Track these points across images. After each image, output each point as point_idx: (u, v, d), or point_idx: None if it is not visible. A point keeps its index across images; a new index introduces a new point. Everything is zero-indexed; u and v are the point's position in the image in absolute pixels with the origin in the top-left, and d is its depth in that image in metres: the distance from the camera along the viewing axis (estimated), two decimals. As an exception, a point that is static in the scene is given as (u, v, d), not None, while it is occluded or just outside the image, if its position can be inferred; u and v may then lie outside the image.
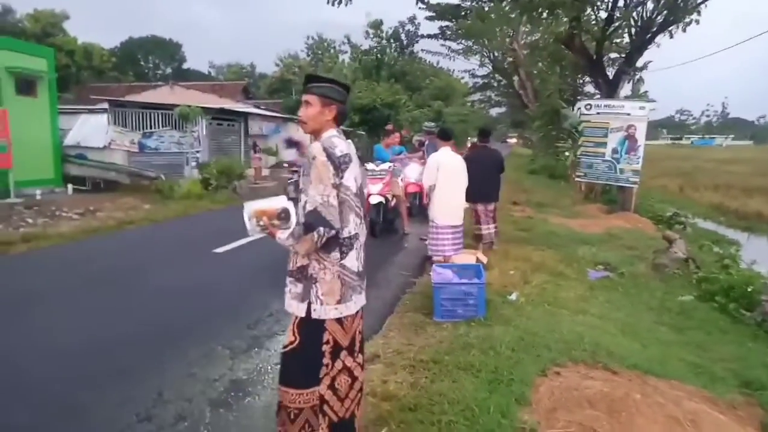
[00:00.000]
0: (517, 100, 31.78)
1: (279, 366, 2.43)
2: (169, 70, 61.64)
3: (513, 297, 5.04)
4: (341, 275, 2.32)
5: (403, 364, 3.65)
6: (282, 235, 2.28)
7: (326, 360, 2.39)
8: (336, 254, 2.31)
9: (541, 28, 17.30)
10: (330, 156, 2.25)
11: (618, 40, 17.26)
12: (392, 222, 9.03)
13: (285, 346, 2.40)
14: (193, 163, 15.51)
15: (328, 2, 10.74)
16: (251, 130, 19.84)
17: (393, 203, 8.82)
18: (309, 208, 2.21)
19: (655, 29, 12.68)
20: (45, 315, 4.84)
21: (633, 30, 13.44)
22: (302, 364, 2.37)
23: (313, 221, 2.20)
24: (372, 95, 30.74)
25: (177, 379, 3.56)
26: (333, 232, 2.23)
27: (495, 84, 37.50)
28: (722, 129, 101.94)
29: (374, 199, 8.19)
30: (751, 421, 3.43)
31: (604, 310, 5.29)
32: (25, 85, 13.78)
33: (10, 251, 7.17)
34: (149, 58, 63.78)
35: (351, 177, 2.31)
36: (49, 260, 6.88)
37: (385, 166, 8.78)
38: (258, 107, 24.50)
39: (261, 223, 2.27)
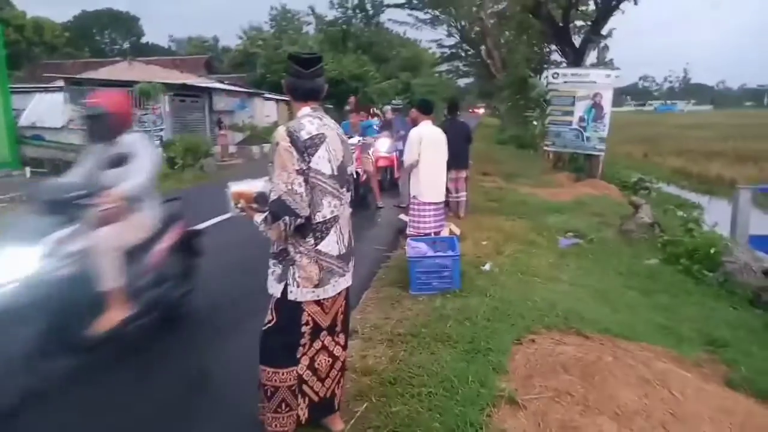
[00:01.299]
0: (484, 70, 31.78)
1: (260, 344, 2.41)
2: (126, 45, 59.40)
3: (487, 267, 5.10)
4: (318, 260, 2.29)
5: (381, 339, 3.67)
6: (257, 219, 2.25)
7: (304, 340, 2.39)
8: (310, 239, 2.27)
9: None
10: (294, 141, 2.19)
11: (583, 8, 17.37)
12: (364, 197, 8.95)
13: (264, 325, 2.39)
14: (157, 142, 15.07)
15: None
16: (216, 106, 19.32)
17: (363, 178, 8.76)
18: (273, 196, 2.17)
19: (620, -4, 12.79)
20: None
21: (598, -3, 13.53)
22: (279, 343, 2.37)
23: (277, 210, 2.15)
24: (338, 67, 30.30)
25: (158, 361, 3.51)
26: (300, 220, 2.19)
27: (463, 54, 37.44)
28: (684, 94, 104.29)
29: None
30: (715, 378, 3.59)
31: (575, 277, 5.41)
32: (-29, 62, 13.08)
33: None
34: (105, 32, 61.26)
35: (323, 159, 2.25)
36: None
37: (354, 140, 8.47)
38: (222, 82, 23.83)
39: (239, 205, 2.23)
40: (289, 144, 2.18)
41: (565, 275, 5.39)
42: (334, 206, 2.32)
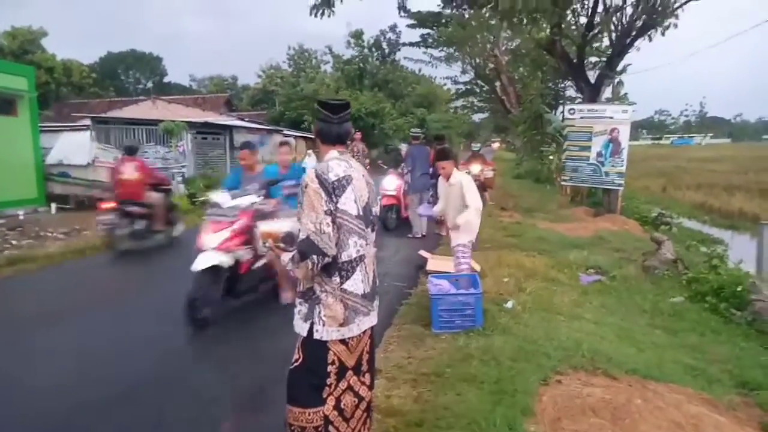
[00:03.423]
0: (499, 105, 32.05)
1: (287, 383, 2.41)
2: (150, 84, 61.31)
3: (509, 305, 5.06)
4: (343, 299, 2.32)
5: (405, 378, 3.65)
6: (284, 258, 2.29)
7: (330, 380, 2.38)
8: (336, 278, 2.31)
9: (522, 34, 17.54)
10: (322, 182, 2.26)
11: (597, 44, 17.58)
12: (240, 293, 5.29)
13: (291, 364, 2.40)
14: (179, 179, 15.37)
15: (310, 14, 10.80)
16: (236, 143, 19.75)
17: (247, 266, 5.19)
18: (302, 236, 2.23)
19: (634, 33, 12.91)
20: (46, 338, 4.74)
21: (613, 35, 13.68)
22: (306, 382, 2.37)
23: (305, 249, 2.20)
24: (356, 104, 30.82)
25: (177, 398, 3.51)
26: (327, 259, 2.23)
27: (477, 90, 37.84)
28: (701, 128, 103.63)
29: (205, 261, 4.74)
30: (750, 422, 3.48)
31: (598, 315, 5.33)
32: (6, 104, 13.59)
33: (-6, 276, 7.03)
34: (129, 72, 63.37)
35: (350, 200, 2.31)
36: (39, 283, 6.76)
37: (240, 202, 5.12)
38: (242, 119, 24.39)
39: (267, 244, 2.28)
40: (318, 186, 2.24)
41: (589, 313, 5.32)
42: (360, 246, 2.36)
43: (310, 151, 19.74)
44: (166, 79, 64.83)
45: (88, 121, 16.77)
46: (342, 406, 2.43)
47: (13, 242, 9.49)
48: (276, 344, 4.08)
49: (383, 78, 38.97)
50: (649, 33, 12.77)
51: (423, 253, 7.37)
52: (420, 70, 40.92)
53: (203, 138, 17.99)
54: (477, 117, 52.48)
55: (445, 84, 42.88)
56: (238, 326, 4.97)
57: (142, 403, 3.48)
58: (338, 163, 2.36)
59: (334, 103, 2.45)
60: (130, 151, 9.30)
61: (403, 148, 11.34)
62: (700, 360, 4.52)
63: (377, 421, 3.00)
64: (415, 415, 3.11)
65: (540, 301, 5.38)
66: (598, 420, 3.00)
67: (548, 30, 14.67)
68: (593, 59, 19.02)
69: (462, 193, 5.08)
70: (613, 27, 13.54)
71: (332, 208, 2.25)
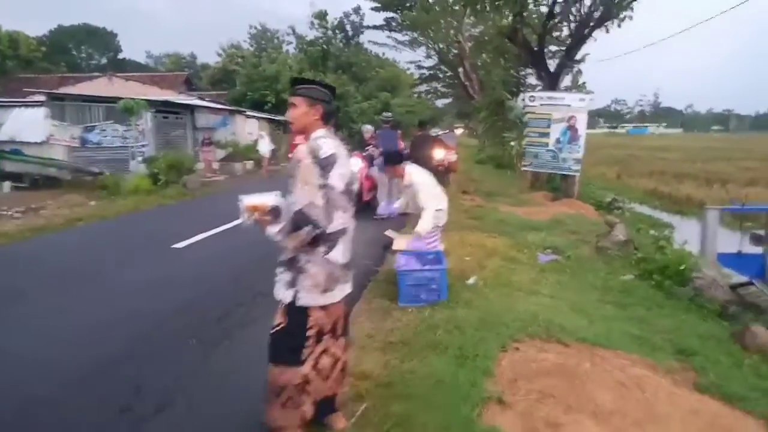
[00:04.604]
0: (462, 91, 32.40)
1: (269, 345, 2.58)
2: (104, 61, 58.93)
3: (472, 281, 5.32)
4: (327, 268, 2.49)
5: (374, 347, 3.85)
6: (272, 231, 2.43)
7: (309, 343, 2.56)
8: (322, 248, 2.47)
9: (485, 21, 17.83)
10: (315, 158, 2.41)
11: (558, 34, 18.04)
12: None
13: (273, 327, 2.56)
14: (139, 158, 15.07)
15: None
16: (198, 123, 19.42)
17: None
18: (296, 208, 2.37)
19: (592, 24, 13.36)
20: (13, 321, 4.72)
21: (572, 25, 14.11)
22: (287, 344, 2.54)
23: (300, 220, 2.35)
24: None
25: (152, 374, 3.61)
26: (319, 230, 2.39)
27: (441, 75, 38.11)
28: (655, 118, 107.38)
29: None
30: (685, 384, 3.84)
31: (554, 291, 5.66)
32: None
33: (-51, 254, 6.85)
34: (81, 47, 60.70)
35: (337, 176, 2.47)
36: (1, 260, 6.64)
37: None
38: (202, 99, 23.91)
39: (253, 217, 2.41)
40: (311, 161, 2.39)
41: (545, 289, 5.64)
42: (344, 219, 2.53)
43: (262, 133, 19.62)
44: (120, 56, 62.47)
45: (41, 97, 16.13)
46: (320, 366, 2.61)
47: (-33, 220, 9.21)
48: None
49: (347, 61, 38.79)
50: (606, 24, 13.25)
51: (389, 233, 7.57)
52: (384, 54, 40.91)
53: (164, 117, 17.60)
54: (440, 102, 52.89)
55: (408, 69, 43.00)
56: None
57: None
58: (326, 141, 2.51)
59: (333, 86, 2.65)
60: None
61: (367, 131, 11.39)
62: (645, 331, 4.88)
63: (350, 385, 3.20)
64: (383, 378, 3.32)
65: (500, 278, 5.67)
66: (551, 381, 3.28)
67: (510, 18, 15.00)
68: (553, 48, 19.50)
69: (416, 196, 5.24)
70: (572, 17, 13.97)
71: (323, 183, 2.40)
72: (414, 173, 5.38)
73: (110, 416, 3.07)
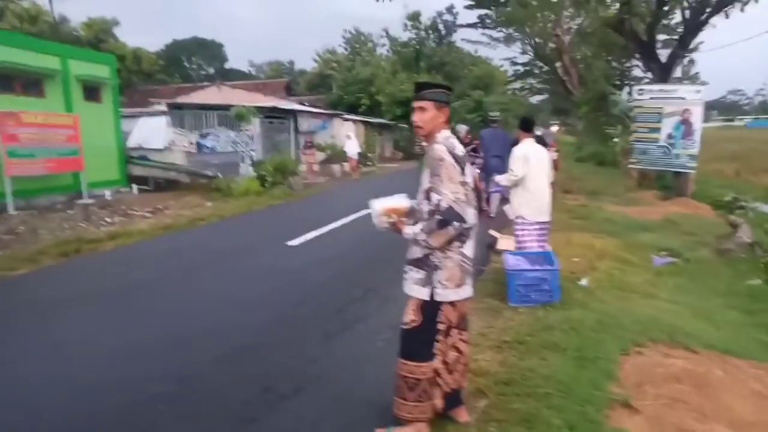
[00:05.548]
0: (559, 86, 31.29)
1: (400, 340, 2.73)
2: (211, 70, 63.24)
3: (584, 282, 5.21)
4: (461, 262, 2.61)
5: (489, 345, 3.91)
6: (412, 230, 2.58)
7: (440, 337, 2.69)
8: (458, 243, 2.59)
9: (588, 13, 17.11)
10: (455, 157, 2.53)
11: (666, 21, 16.91)
12: None
13: (405, 324, 2.70)
14: (249, 161, 16.09)
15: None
16: (300, 127, 20.38)
17: None
18: (444, 205, 2.47)
19: (710, 10, 12.42)
20: (165, 303, 5.35)
21: (686, 12, 13.20)
22: (421, 340, 2.67)
23: (448, 217, 2.47)
24: (412, 87, 30.83)
25: (286, 357, 3.93)
26: (465, 225, 2.51)
27: (536, 71, 37.01)
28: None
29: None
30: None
31: (673, 295, 5.40)
32: (91, 91, 14.61)
33: (99, 249, 7.77)
34: (192, 59, 65.57)
35: (468, 173, 2.59)
36: (140, 255, 7.45)
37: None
38: (302, 104, 25.03)
39: (390, 219, 2.57)
40: (452, 160, 2.52)
41: (663, 293, 5.40)
42: (474, 215, 2.63)
43: (350, 134, 20.11)
44: (226, 65, 66.71)
45: (162, 107, 17.71)
46: (447, 359, 2.73)
47: (107, 219, 10.36)
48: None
49: (439, 60, 38.71)
50: (726, 9, 12.26)
51: (493, 232, 7.57)
52: (476, 51, 40.36)
53: (270, 122, 18.68)
54: (535, 99, 51.30)
55: (502, 66, 42.16)
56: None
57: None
58: (455, 141, 2.64)
59: (451, 87, 2.79)
60: None
61: (461, 130, 11.23)
62: (780, 339, 4.55)
63: (469, 380, 3.30)
64: (502, 375, 3.38)
65: (613, 281, 5.50)
66: (681, 387, 3.16)
67: (616, 7, 14.30)
68: (662, 37, 18.33)
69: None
70: (686, 3, 13.06)
71: (462, 180, 2.54)
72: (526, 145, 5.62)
73: (256, 392, 3.39)
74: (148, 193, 14.46)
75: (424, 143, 2.82)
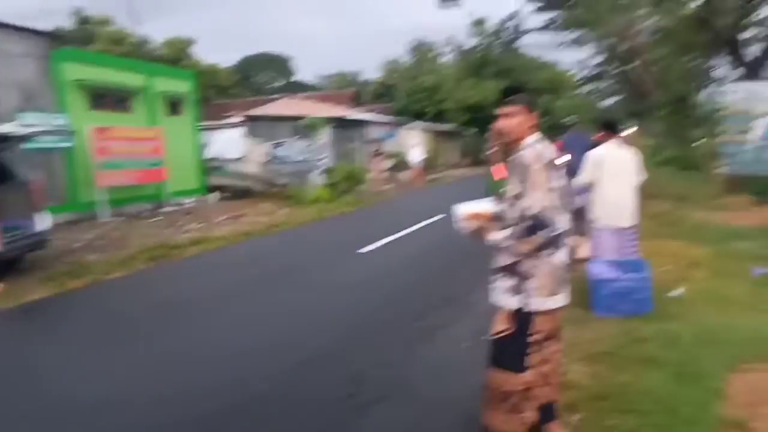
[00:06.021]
0: (633, 88, 29.90)
1: (490, 351, 2.65)
2: (279, 83, 65.41)
3: (677, 293, 4.91)
4: (553, 270, 2.50)
5: (577, 356, 3.74)
6: (497, 236, 2.51)
7: (534, 348, 2.58)
8: (549, 251, 2.49)
9: (668, 11, 16.30)
10: (544, 161, 2.45)
11: (756, 16, 15.78)
12: None
13: (496, 333, 2.62)
14: (319, 170, 16.47)
15: (439, 6, 11.01)
16: (369, 136, 20.67)
17: None
18: (533, 212, 2.39)
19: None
20: (251, 306, 5.60)
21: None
22: (511, 351, 2.57)
23: (537, 224, 2.39)
24: (479, 93, 30.53)
25: (368, 365, 3.94)
26: (555, 232, 2.42)
27: (608, 73, 35.61)
28: None
29: None
30: None
31: (779, 308, 4.98)
32: (173, 105, 15.52)
33: (184, 254, 8.18)
34: (261, 73, 68.10)
35: (558, 179, 2.49)
36: (223, 260, 7.80)
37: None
38: (373, 112, 25.40)
39: (474, 224, 2.52)
40: (542, 165, 2.44)
41: (766, 305, 4.98)
42: (564, 220, 2.52)
43: (414, 142, 20.12)
44: (294, 78, 68.75)
45: (238, 119, 18.46)
46: (542, 371, 2.62)
47: (189, 226, 10.90)
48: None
49: (506, 66, 38.12)
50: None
51: (570, 240, 7.29)
52: (541, 57, 39.49)
53: (339, 132, 19.07)
54: (606, 102, 49.33)
55: (570, 69, 40.89)
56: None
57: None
58: (546, 145, 2.55)
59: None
60: None
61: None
62: None
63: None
64: (595, 389, 3.22)
65: (709, 292, 5.14)
66: (802, 409, 2.89)
67: (698, 3, 13.54)
68: (750, 34, 17.11)
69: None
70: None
71: (552, 186, 2.45)
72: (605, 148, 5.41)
73: (340, 397, 3.43)
74: (225, 201, 15.11)
75: (507, 150, 2.74)
